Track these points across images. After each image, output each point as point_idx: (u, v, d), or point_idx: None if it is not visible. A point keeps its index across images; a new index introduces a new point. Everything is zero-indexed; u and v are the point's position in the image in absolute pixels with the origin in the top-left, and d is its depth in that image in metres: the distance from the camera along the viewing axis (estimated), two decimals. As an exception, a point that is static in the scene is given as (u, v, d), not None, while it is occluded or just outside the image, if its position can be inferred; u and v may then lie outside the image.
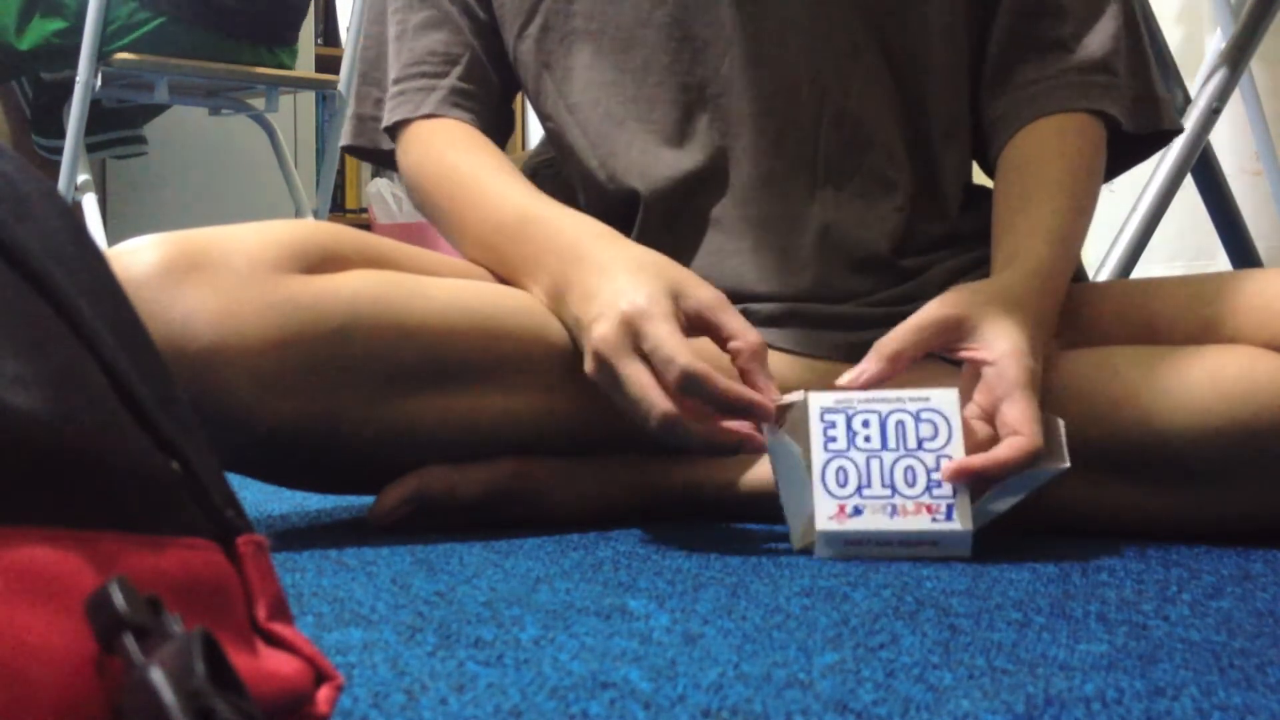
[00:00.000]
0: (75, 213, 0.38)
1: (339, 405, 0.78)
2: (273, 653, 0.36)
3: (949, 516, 0.74)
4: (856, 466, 0.75)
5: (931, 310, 0.80)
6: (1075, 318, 0.92)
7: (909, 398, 0.76)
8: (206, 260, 0.76)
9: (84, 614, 0.29)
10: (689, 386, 0.75)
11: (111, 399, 0.33)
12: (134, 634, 0.28)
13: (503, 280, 0.92)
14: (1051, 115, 0.94)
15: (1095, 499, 0.82)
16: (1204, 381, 0.79)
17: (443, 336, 0.81)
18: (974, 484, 0.75)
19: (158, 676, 0.27)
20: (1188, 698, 0.49)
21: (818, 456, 0.75)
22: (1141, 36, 1.00)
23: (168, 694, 0.26)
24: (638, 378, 0.76)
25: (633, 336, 0.77)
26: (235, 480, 0.87)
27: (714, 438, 0.77)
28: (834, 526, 0.74)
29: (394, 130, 1.02)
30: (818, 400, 0.76)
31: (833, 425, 0.76)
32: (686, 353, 0.75)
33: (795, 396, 0.77)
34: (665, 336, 0.76)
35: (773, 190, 0.95)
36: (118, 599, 0.28)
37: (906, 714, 0.47)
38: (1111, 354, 0.84)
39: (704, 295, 0.80)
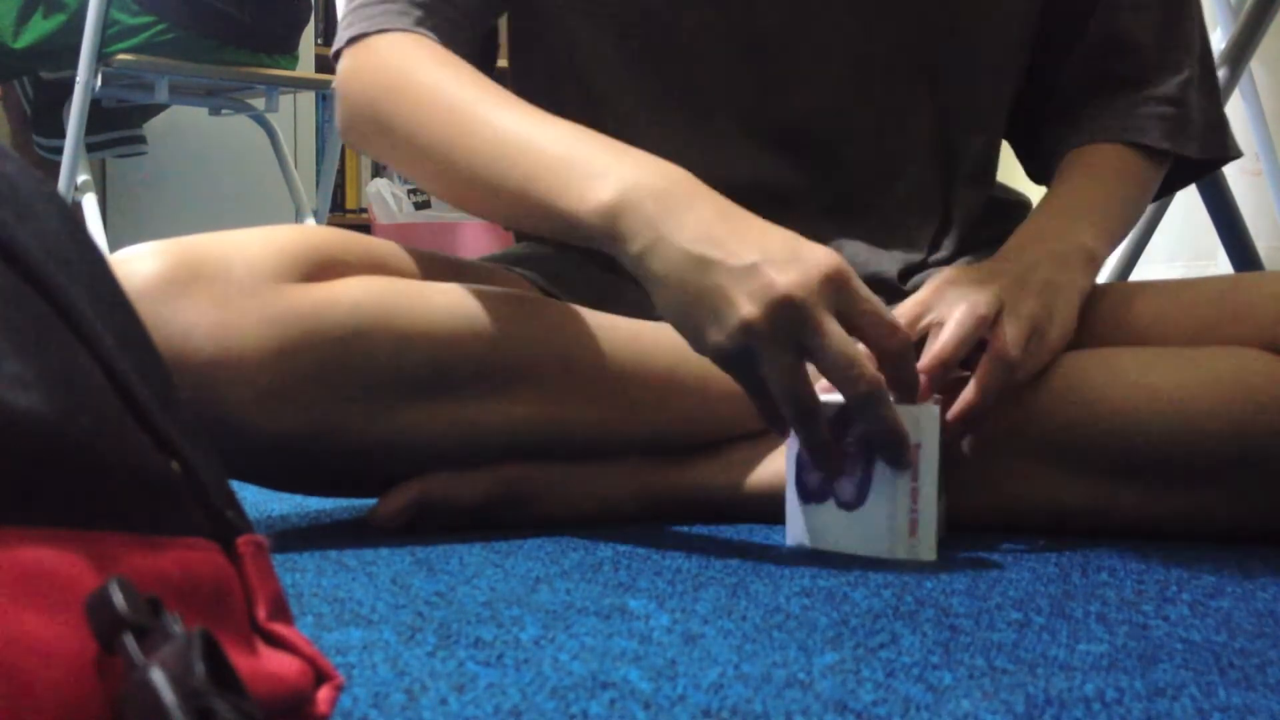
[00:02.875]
0: (75, 213, 0.38)
1: (341, 414, 0.78)
2: (273, 653, 0.36)
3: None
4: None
5: (901, 310, 0.82)
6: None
7: None
8: (206, 270, 0.75)
9: (84, 614, 0.29)
10: (863, 402, 0.69)
11: (111, 399, 0.33)
12: (134, 634, 0.28)
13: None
14: (1112, 142, 0.96)
15: (1095, 500, 0.82)
16: (1203, 383, 0.79)
17: (444, 344, 0.81)
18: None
19: (158, 676, 0.27)
20: (1188, 698, 0.49)
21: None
22: (1213, 66, 1.02)
23: (168, 694, 0.26)
24: (842, 335, 0.67)
25: (840, 294, 0.68)
26: (235, 481, 0.87)
27: (895, 430, 0.71)
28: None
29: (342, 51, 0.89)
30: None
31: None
32: (871, 369, 0.69)
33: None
34: (841, 341, 0.67)
35: (783, 204, 0.95)
36: (118, 599, 0.28)
37: (906, 714, 0.47)
38: (1111, 355, 0.84)
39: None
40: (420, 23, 0.87)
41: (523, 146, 0.78)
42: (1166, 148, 0.97)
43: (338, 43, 0.89)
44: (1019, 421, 0.83)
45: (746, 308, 0.68)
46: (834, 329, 0.67)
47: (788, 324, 0.67)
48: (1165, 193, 1.08)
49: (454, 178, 0.82)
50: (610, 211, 0.73)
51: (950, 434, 0.78)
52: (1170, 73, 0.98)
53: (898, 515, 0.74)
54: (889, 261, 0.94)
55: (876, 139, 0.95)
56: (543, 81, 0.99)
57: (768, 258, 0.68)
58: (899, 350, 0.70)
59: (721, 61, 0.95)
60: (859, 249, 0.95)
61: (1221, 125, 1.01)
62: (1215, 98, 1.01)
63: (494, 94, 0.82)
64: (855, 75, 0.94)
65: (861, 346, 0.70)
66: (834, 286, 0.68)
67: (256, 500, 1.01)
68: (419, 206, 3.35)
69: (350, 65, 0.87)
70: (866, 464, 0.74)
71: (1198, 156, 0.99)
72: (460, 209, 0.85)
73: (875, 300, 0.69)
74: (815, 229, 0.93)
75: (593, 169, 0.74)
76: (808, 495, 0.77)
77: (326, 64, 3.13)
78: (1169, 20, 0.99)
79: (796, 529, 0.79)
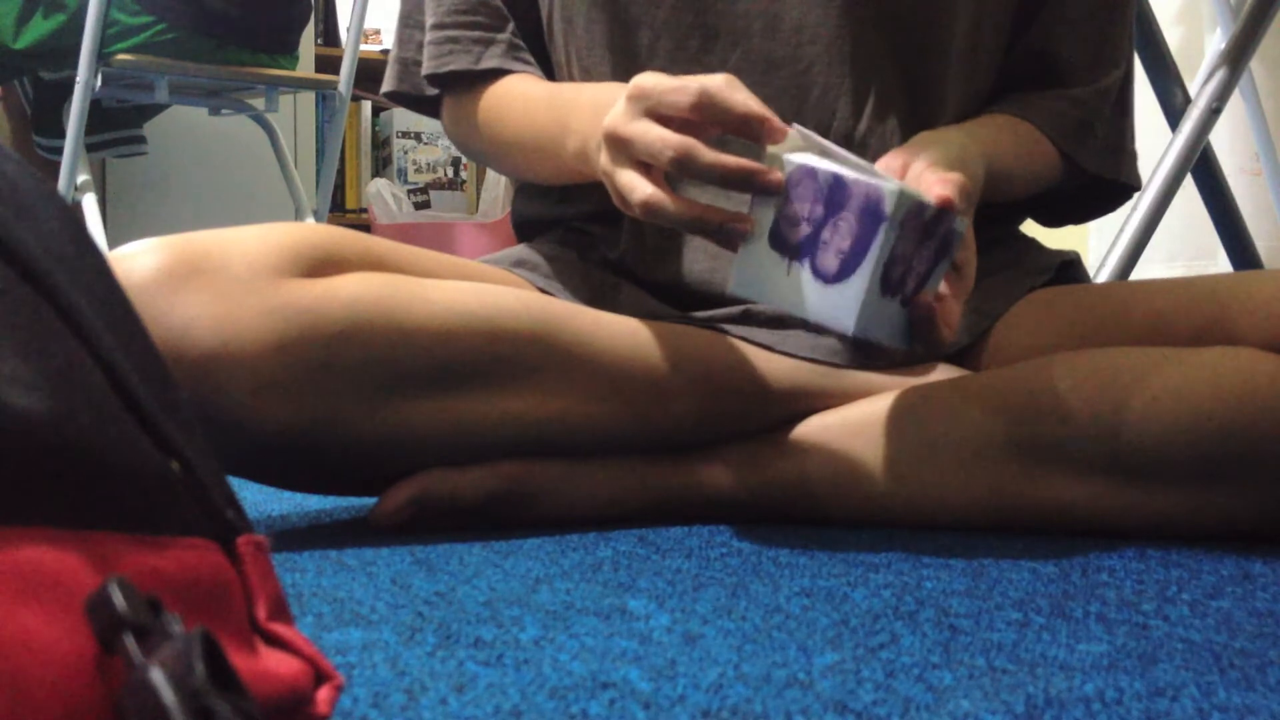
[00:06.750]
0: (75, 213, 0.38)
1: (339, 409, 0.78)
2: (273, 653, 0.36)
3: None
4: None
5: (893, 155, 0.83)
6: (1075, 318, 0.92)
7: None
8: (206, 265, 0.76)
9: (84, 614, 0.29)
10: (706, 107, 0.76)
11: (111, 399, 0.33)
12: (134, 634, 0.28)
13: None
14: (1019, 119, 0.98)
15: (1095, 499, 0.82)
16: (1204, 383, 0.79)
17: (443, 339, 0.81)
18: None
19: (158, 676, 0.27)
20: (1188, 698, 0.49)
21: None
22: (1130, 84, 1.04)
23: (168, 694, 0.26)
24: (648, 129, 0.77)
25: (640, 100, 0.78)
26: (235, 481, 0.87)
27: (732, 164, 0.75)
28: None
29: (445, 79, 1.02)
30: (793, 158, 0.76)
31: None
32: (699, 84, 0.76)
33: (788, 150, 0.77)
34: (642, 133, 0.77)
35: None
36: (117, 599, 0.28)
37: (906, 714, 0.47)
38: (1111, 354, 0.84)
39: (716, 76, 0.78)
40: (519, 60, 1.00)
41: (533, 118, 0.95)
42: (1059, 144, 0.98)
43: (440, 65, 1.01)
44: (1019, 421, 0.83)
45: (601, 158, 0.81)
46: (640, 129, 0.77)
47: (615, 150, 0.79)
48: (1073, 220, 1.09)
49: (509, 152, 0.99)
50: (578, 153, 0.88)
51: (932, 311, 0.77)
52: (1085, 83, 1.00)
53: (866, 299, 0.74)
54: None
55: (850, 137, 0.95)
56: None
57: (609, 117, 0.80)
58: (693, 104, 0.76)
59: (695, 48, 0.95)
60: None
61: (1122, 149, 1.03)
62: (1120, 121, 1.03)
63: (517, 83, 0.98)
64: (829, 67, 0.94)
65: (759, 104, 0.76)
66: (633, 103, 0.78)
67: (256, 500, 1.01)
68: (419, 206, 3.35)
69: (449, 119, 1.05)
70: (859, 244, 0.74)
71: (1091, 169, 1.01)
72: (523, 178, 1.04)
73: (668, 83, 0.77)
74: None
75: (568, 129, 0.90)
76: (785, 249, 0.76)
77: (327, 64, 3.13)
78: (1097, 38, 1.01)
79: (747, 278, 0.78)
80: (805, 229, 0.75)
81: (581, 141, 0.87)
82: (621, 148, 0.78)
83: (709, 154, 0.75)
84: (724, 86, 0.76)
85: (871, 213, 0.73)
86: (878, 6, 0.94)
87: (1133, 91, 1.05)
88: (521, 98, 0.97)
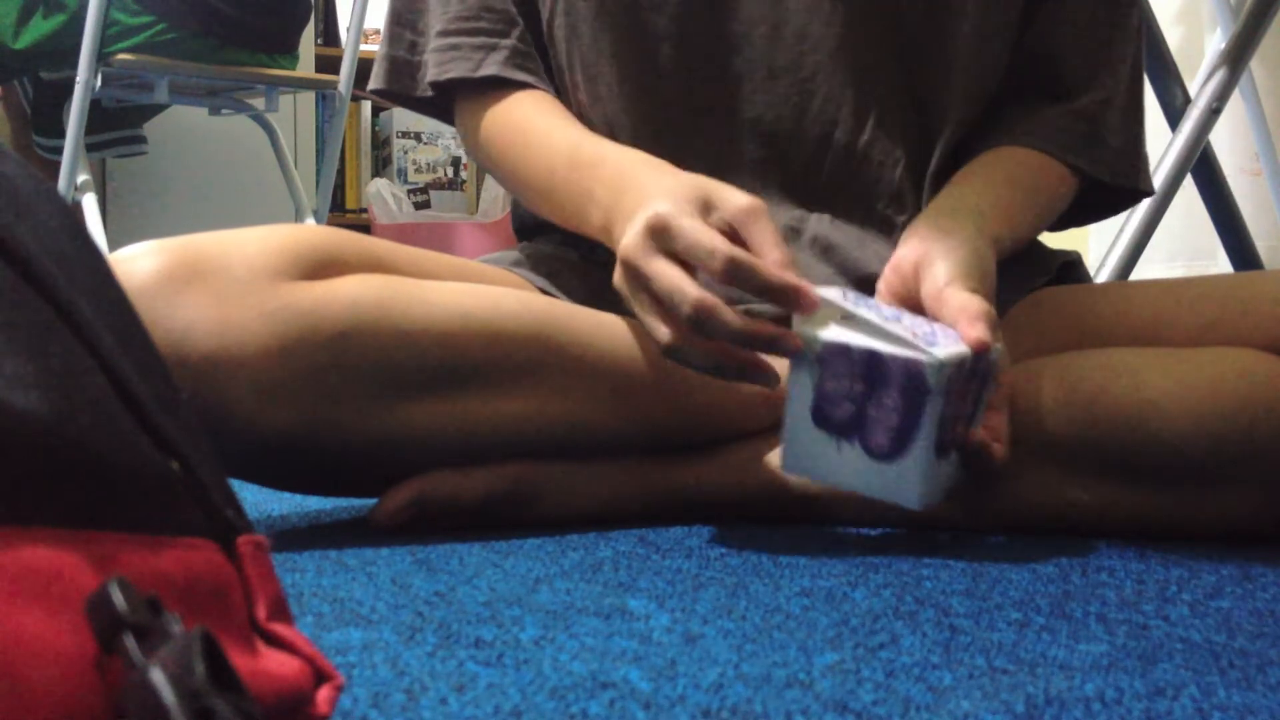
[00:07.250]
0: (75, 213, 0.38)
1: (340, 411, 0.78)
2: (273, 653, 0.36)
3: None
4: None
5: (906, 255, 0.82)
6: (1075, 318, 0.92)
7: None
8: (206, 268, 0.76)
9: (84, 614, 0.29)
10: (734, 272, 0.74)
11: (111, 399, 0.33)
12: (134, 634, 0.28)
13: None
14: (1024, 148, 0.96)
15: (1095, 499, 0.82)
16: (1204, 383, 0.79)
17: (443, 341, 0.81)
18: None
19: (158, 676, 0.27)
20: (1188, 698, 0.49)
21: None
22: (1141, 90, 1.02)
23: (168, 694, 0.26)
24: (667, 272, 0.75)
25: (661, 238, 0.76)
26: (235, 481, 0.87)
27: (751, 329, 0.75)
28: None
29: (445, 86, 1.01)
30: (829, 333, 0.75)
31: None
32: (726, 242, 0.75)
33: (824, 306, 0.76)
34: (698, 229, 0.75)
35: (766, 202, 0.94)
36: (117, 599, 0.28)
37: (906, 714, 0.47)
38: (1112, 355, 0.84)
39: (739, 202, 0.78)
40: (520, 68, 0.99)
41: (553, 171, 0.93)
42: (1070, 160, 0.97)
43: (441, 73, 0.99)
44: (1020, 422, 0.83)
45: (616, 275, 0.81)
46: (659, 270, 0.76)
47: (632, 280, 0.78)
48: (1079, 223, 1.08)
49: (521, 193, 0.99)
50: (602, 229, 0.87)
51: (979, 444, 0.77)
52: (1089, 91, 0.98)
53: (925, 471, 0.73)
54: (874, 261, 0.94)
55: (852, 149, 0.95)
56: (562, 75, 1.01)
57: (627, 231, 0.79)
58: (721, 270, 0.74)
59: (699, 54, 0.95)
60: (841, 248, 0.94)
61: (1136, 154, 1.01)
62: (1135, 128, 1.01)
63: (541, 120, 0.96)
64: (831, 77, 0.94)
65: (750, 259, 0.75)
66: (653, 237, 0.77)
67: (256, 500, 1.01)
68: (419, 206, 3.35)
69: (463, 129, 1.03)
70: (908, 419, 0.73)
71: (1109, 181, 0.99)
72: (541, 217, 1.00)
73: (694, 232, 0.76)
74: (790, 218, 0.94)
75: (591, 197, 0.88)
76: (832, 428, 0.75)
77: (327, 64, 3.13)
78: (1099, 42, 0.99)
79: (799, 458, 0.77)
80: (848, 407, 0.74)
81: (604, 218, 0.86)
82: (639, 282, 0.78)
83: (731, 317, 0.74)
84: (750, 223, 0.76)
85: (915, 388, 0.72)
86: (880, 16, 0.94)
87: (1143, 95, 1.04)
88: (539, 141, 0.95)
